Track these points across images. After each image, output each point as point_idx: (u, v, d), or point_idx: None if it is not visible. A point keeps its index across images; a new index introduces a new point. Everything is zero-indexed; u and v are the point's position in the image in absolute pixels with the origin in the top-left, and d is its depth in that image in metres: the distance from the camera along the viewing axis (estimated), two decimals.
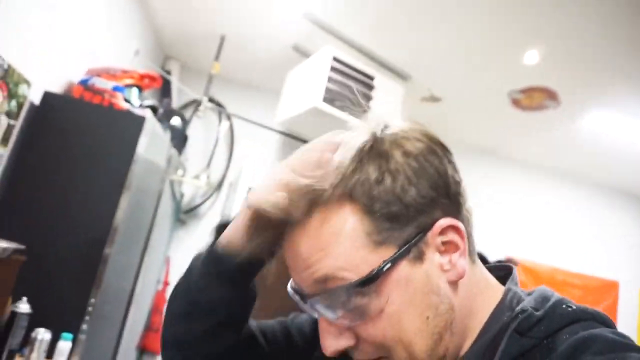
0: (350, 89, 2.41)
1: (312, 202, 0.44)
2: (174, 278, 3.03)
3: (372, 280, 0.42)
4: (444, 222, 0.45)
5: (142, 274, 2.27)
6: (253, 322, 0.63)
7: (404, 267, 0.44)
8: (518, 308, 0.45)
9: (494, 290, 0.50)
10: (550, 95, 2.74)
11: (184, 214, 3.19)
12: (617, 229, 3.99)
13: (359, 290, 0.42)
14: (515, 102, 2.88)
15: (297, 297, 0.49)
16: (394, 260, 0.43)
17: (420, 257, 0.44)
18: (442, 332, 0.45)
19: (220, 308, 0.53)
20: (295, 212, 0.44)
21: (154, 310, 2.87)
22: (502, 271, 0.55)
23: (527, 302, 0.46)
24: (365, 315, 0.44)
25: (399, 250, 0.43)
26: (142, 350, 2.83)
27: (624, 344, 0.39)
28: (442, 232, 0.45)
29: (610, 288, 3.89)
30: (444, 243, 0.45)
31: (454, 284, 0.46)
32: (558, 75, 2.52)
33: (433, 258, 0.45)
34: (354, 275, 0.42)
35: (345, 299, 0.43)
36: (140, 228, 2.10)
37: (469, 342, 0.47)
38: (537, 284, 3.75)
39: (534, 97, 2.80)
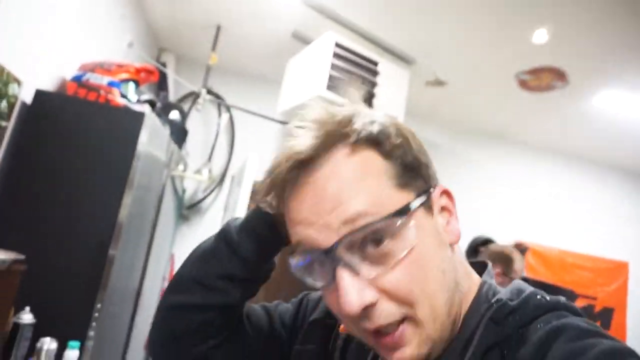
0: (355, 76, 2.33)
1: (339, 142, 0.46)
2: None
3: (402, 214, 0.44)
4: (442, 186, 0.50)
5: (148, 273, 2.22)
6: None
7: (421, 214, 0.46)
8: (494, 299, 0.47)
9: (472, 281, 0.52)
10: (558, 76, 2.66)
11: (187, 210, 3.13)
12: (626, 209, 3.94)
13: (389, 227, 0.43)
14: (522, 84, 2.80)
15: (311, 258, 0.47)
16: (417, 202, 0.46)
17: (430, 210, 0.48)
18: (454, 291, 0.47)
19: (247, 260, 0.56)
20: (324, 149, 0.46)
21: None
22: (479, 267, 0.56)
23: (503, 294, 0.48)
24: (392, 258, 0.44)
25: (418, 196, 0.46)
26: None
27: (595, 332, 0.41)
28: (441, 194, 0.50)
29: (620, 269, 3.86)
30: (442, 207, 0.50)
31: (451, 248, 0.49)
32: (567, 54, 2.44)
33: (437, 215, 0.49)
34: (383, 212, 0.43)
35: (375, 237, 0.43)
36: (144, 226, 2.04)
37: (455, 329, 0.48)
38: (546, 267, 3.73)
39: (542, 78, 2.71)
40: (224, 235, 0.58)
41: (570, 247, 3.77)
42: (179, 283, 0.60)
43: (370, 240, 0.44)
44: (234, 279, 0.57)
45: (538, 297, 0.46)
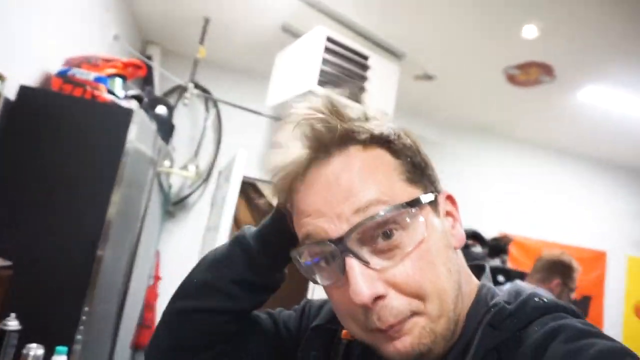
0: (346, 70, 2.30)
1: (352, 141, 0.47)
2: (164, 272, 2.94)
3: (413, 205, 0.44)
4: (446, 191, 0.51)
5: (134, 271, 2.17)
6: None
7: (430, 211, 0.47)
8: (491, 303, 0.47)
9: (471, 285, 0.51)
10: (545, 70, 2.69)
11: (173, 206, 3.07)
12: (604, 199, 4.05)
13: (400, 216, 0.44)
14: (511, 78, 2.82)
15: (319, 258, 0.47)
16: (427, 198, 0.46)
17: (437, 211, 0.48)
18: (458, 292, 0.46)
19: (262, 268, 0.56)
20: (337, 147, 0.46)
21: (145, 306, 2.77)
22: (476, 269, 0.56)
23: (501, 297, 0.47)
24: (401, 251, 0.44)
25: (426, 194, 0.47)
26: (136, 347, 2.75)
27: (592, 332, 0.40)
28: (446, 199, 0.51)
29: (598, 258, 3.97)
30: (447, 212, 0.50)
31: (455, 251, 0.49)
32: (556, 49, 2.47)
33: (443, 218, 0.49)
34: (395, 202, 0.44)
35: (385, 229, 0.43)
36: (132, 224, 1.99)
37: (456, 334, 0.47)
38: (529, 258, 3.80)
39: (531, 73, 2.74)
40: (239, 241, 0.58)
41: (551, 238, 3.85)
42: (189, 288, 0.59)
43: (381, 233, 0.44)
44: (248, 285, 0.57)
45: (536, 299, 0.46)
